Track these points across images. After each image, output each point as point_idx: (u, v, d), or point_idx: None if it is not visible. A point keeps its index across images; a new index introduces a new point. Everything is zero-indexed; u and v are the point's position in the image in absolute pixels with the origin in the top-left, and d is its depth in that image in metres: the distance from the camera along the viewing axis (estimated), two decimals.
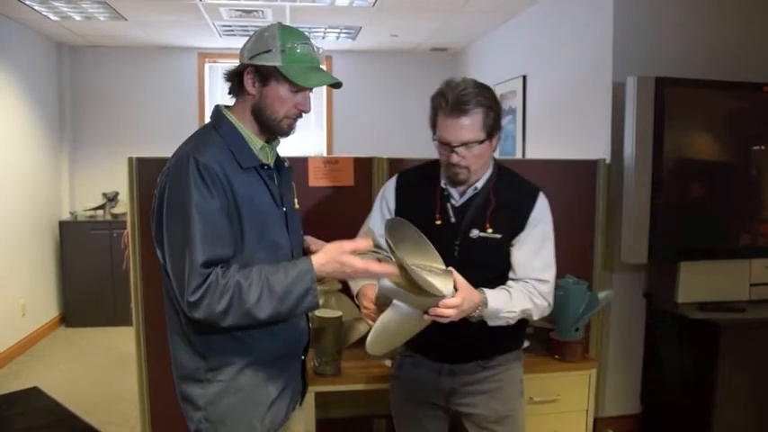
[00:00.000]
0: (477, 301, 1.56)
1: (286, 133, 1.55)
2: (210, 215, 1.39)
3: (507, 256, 1.75)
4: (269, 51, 1.47)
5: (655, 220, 2.78)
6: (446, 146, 1.68)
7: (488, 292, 1.61)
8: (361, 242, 1.46)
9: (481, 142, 1.66)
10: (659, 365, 3.10)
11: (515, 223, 1.73)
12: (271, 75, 1.48)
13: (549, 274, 1.75)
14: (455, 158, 1.67)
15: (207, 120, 1.66)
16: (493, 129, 1.68)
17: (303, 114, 1.55)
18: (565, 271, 2.48)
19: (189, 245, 1.36)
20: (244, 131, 1.53)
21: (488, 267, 1.73)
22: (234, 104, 1.56)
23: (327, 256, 1.43)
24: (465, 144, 1.65)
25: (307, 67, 1.49)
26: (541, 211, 1.76)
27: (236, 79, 1.53)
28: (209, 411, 1.50)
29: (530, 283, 1.70)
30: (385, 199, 1.88)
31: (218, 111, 1.56)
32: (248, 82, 1.50)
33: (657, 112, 2.74)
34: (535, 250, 1.73)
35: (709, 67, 2.97)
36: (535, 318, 1.73)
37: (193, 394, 1.51)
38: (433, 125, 1.72)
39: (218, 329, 1.42)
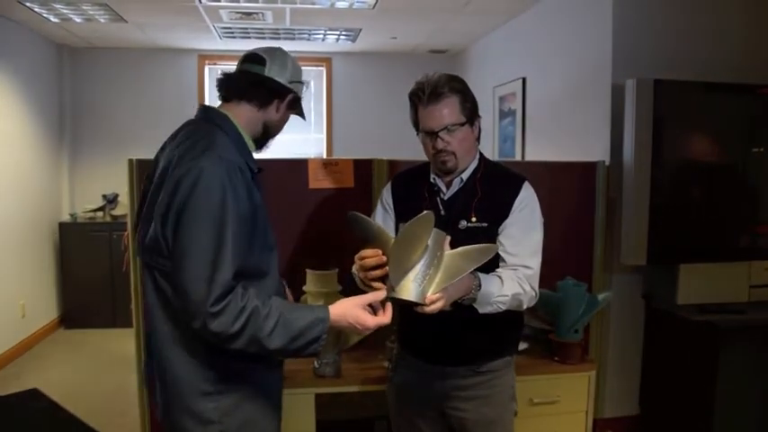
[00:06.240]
0: (468, 283, 1.56)
1: (264, 149, 1.64)
2: (242, 221, 1.37)
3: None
4: (301, 83, 1.58)
5: (654, 222, 2.78)
6: (430, 134, 1.74)
7: (482, 276, 1.61)
8: (373, 295, 1.46)
9: (462, 125, 1.73)
10: (658, 367, 3.10)
11: (500, 211, 1.75)
12: (296, 104, 1.59)
13: (534, 261, 1.74)
14: (440, 144, 1.72)
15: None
16: (472, 114, 1.75)
17: None
18: (564, 272, 2.49)
19: (220, 253, 1.32)
20: (245, 137, 1.55)
21: None
22: (237, 109, 1.55)
23: (342, 310, 1.43)
24: (447, 128, 1.71)
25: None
26: (526, 199, 1.77)
27: (267, 93, 1.55)
28: (225, 424, 1.45)
29: (518, 269, 1.70)
30: (384, 201, 1.93)
31: (220, 113, 1.54)
32: (283, 105, 1.58)
33: (657, 115, 2.75)
34: (520, 236, 1.73)
35: (708, 69, 2.98)
36: (524, 306, 1.72)
37: (202, 409, 1.45)
38: (415, 122, 1.79)
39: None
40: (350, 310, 1.43)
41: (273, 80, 1.54)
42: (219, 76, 1.60)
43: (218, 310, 1.30)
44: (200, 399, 1.44)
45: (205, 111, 1.56)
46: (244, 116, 1.54)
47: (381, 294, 1.46)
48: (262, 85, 1.54)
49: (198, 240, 1.33)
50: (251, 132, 1.56)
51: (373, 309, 1.46)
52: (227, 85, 1.57)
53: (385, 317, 1.45)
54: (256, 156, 1.60)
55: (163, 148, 1.56)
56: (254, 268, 1.44)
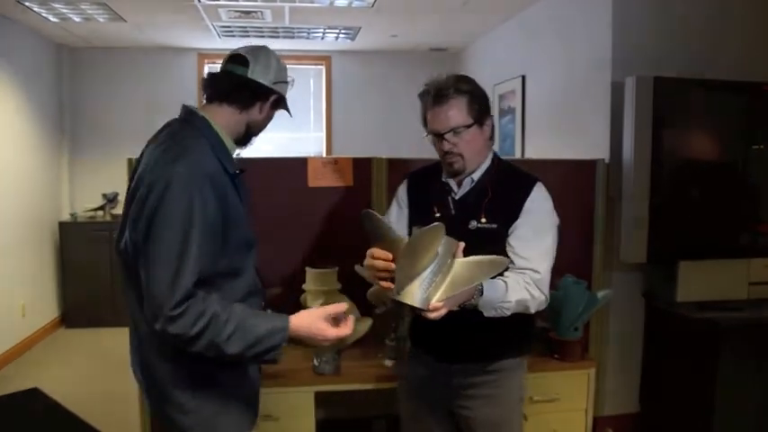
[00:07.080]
0: (470, 290, 1.55)
1: (247, 146, 1.65)
2: (209, 228, 1.39)
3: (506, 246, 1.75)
4: (286, 83, 1.58)
5: (654, 220, 2.78)
6: (437, 136, 1.74)
7: (485, 282, 1.59)
8: (335, 307, 1.51)
9: (469, 126, 1.71)
10: (658, 365, 3.10)
11: (510, 212, 1.73)
12: (280, 104, 1.61)
13: (544, 265, 1.71)
14: (446, 146, 1.72)
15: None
16: (480, 114, 1.73)
17: None
18: (564, 270, 2.48)
19: (183, 257, 1.35)
20: (225, 139, 1.54)
21: None
22: (219, 111, 1.55)
23: (304, 321, 1.47)
24: (453, 130, 1.71)
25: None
26: (537, 200, 1.75)
27: (249, 95, 1.54)
28: (200, 414, 1.51)
29: (526, 273, 1.68)
30: (400, 198, 1.93)
31: (200, 116, 1.54)
32: (267, 105, 1.57)
33: (656, 112, 2.75)
34: (530, 238, 1.71)
35: (707, 67, 2.97)
36: (532, 310, 1.70)
37: (182, 401, 1.50)
38: (425, 122, 1.79)
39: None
40: (314, 323, 1.48)
41: (256, 82, 1.54)
42: (204, 77, 1.61)
43: (178, 314, 1.34)
44: (177, 391, 1.50)
45: (187, 112, 1.56)
46: (225, 118, 1.54)
47: (343, 307, 1.51)
48: (244, 88, 1.54)
49: (163, 245, 1.36)
50: (233, 133, 1.56)
51: (335, 320, 1.50)
52: (211, 87, 1.57)
53: (346, 328, 1.50)
54: (245, 153, 1.65)
55: (147, 146, 1.57)
56: (227, 268, 1.47)
